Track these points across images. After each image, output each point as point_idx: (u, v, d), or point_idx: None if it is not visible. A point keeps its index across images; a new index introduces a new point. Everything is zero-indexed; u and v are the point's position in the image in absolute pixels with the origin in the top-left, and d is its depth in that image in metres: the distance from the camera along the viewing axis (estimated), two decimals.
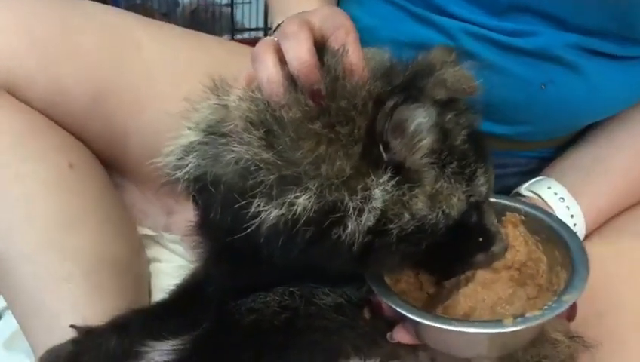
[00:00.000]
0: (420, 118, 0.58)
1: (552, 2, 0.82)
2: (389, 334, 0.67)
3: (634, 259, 0.84)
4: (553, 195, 0.83)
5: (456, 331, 0.61)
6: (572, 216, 0.83)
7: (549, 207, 0.83)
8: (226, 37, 1.82)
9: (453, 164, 0.62)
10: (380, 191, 0.59)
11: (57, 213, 0.85)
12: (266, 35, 1.67)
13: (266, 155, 0.60)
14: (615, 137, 0.90)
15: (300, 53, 0.62)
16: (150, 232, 1.03)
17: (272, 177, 0.60)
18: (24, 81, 0.87)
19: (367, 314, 0.70)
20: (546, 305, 0.63)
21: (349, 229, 0.59)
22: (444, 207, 0.62)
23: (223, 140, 0.64)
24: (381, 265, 0.65)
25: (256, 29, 1.84)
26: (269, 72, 0.63)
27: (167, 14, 2.04)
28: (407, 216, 0.60)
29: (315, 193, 0.59)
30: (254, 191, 0.60)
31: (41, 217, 0.84)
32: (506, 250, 0.69)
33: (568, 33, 0.83)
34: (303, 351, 0.70)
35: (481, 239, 0.66)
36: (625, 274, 0.82)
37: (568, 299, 0.63)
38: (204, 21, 2.03)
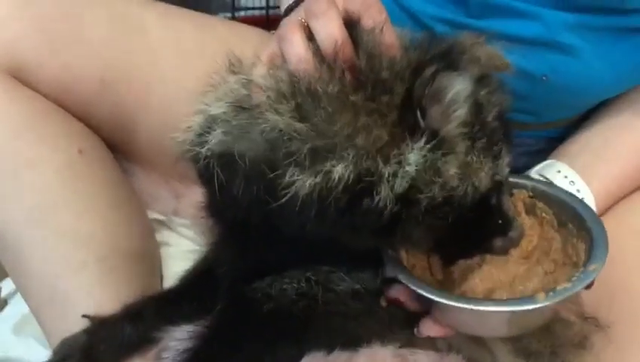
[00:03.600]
0: (459, 87, 0.58)
1: None
2: (415, 330, 0.67)
3: None
4: (563, 179, 0.83)
5: (491, 311, 0.62)
6: (583, 200, 0.83)
7: None
8: (222, 15, 1.80)
9: (484, 139, 0.62)
10: (415, 155, 0.60)
11: (69, 199, 0.85)
12: (267, 14, 1.66)
13: (299, 125, 0.61)
14: (624, 120, 0.90)
15: (332, 31, 0.63)
16: (159, 216, 1.03)
17: (305, 147, 0.60)
18: (31, 65, 0.86)
19: (383, 302, 0.71)
20: (570, 276, 0.64)
21: (382, 195, 0.59)
22: (474, 179, 0.62)
23: (254, 112, 0.64)
24: (407, 239, 0.65)
25: (253, 8, 1.82)
26: (299, 50, 0.63)
27: None
28: (438, 185, 0.60)
29: (351, 161, 0.60)
30: (287, 161, 0.61)
31: (53, 204, 0.84)
32: (521, 237, 0.69)
33: (568, 13, 0.83)
34: (322, 337, 0.71)
35: (500, 222, 0.67)
36: (635, 252, 0.82)
37: (595, 269, 0.64)
38: None
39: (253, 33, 1.04)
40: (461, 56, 0.65)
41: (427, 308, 0.67)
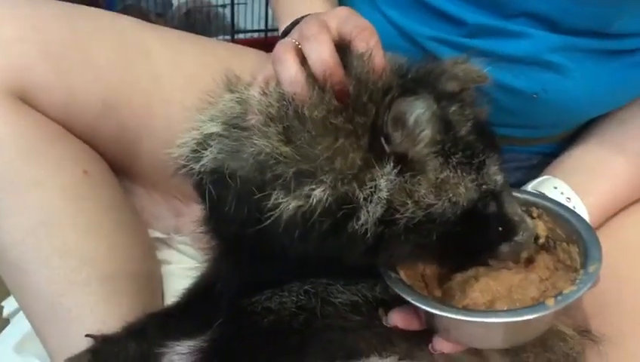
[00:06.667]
0: (418, 110, 0.60)
1: (549, 3, 0.84)
2: (430, 346, 0.68)
3: (635, 251, 0.87)
4: (560, 195, 0.85)
5: (505, 322, 0.62)
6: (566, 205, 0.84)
7: None
8: (222, 37, 1.83)
9: (458, 154, 0.64)
10: (385, 181, 0.62)
11: (74, 219, 0.86)
12: (266, 36, 1.68)
13: (284, 149, 0.63)
14: (617, 139, 0.92)
15: (323, 54, 0.65)
16: (161, 235, 1.05)
17: (290, 170, 0.62)
18: (38, 89, 0.87)
19: (382, 314, 0.71)
20: (571, 279, 0.65)
21: (362, 220, 0.62)
22: (451, 195, 0.63)
23: (244, 133, 0.66)
24: (392, 256, 0.66)
25: (252, 31, 1.85)
26: (292, 72, 0.65)
27: (163, 15, 2.04)
28: (411, 204, 0.62)
29: (329, 185, 0.62)
30: (273, 184, 0.63)
31: (59, 223, 0.85)
32: (535, 239, 0.70)
33: (556, 35, 0.86)
34: (321, 351, 0.71)
35: (501, 228, 0.67)
36: (626, 267, 0.84)
37: (595, 269, 0.65)
38: (199, 22, 2.03)
39: (253, 54, 1.07)
40: (440, 76, 0.67)
41: (430, 325, 0.68)
